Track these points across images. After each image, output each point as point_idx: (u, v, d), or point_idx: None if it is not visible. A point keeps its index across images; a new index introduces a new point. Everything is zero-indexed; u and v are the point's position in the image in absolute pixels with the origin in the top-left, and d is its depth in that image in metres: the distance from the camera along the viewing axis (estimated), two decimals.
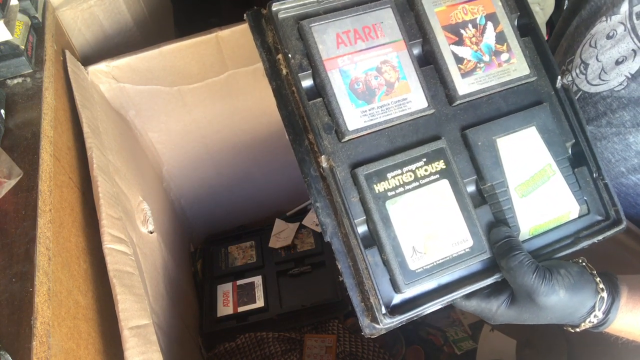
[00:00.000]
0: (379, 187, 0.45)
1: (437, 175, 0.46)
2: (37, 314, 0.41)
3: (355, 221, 0.44)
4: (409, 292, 0.44)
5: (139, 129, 0.86)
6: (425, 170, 0.46)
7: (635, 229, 0.58)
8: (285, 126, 0.46)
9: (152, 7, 0.93)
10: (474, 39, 0.50)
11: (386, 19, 0.49)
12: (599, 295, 0.46)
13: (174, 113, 0.86)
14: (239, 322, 0.95)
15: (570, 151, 0.51)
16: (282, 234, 1.07)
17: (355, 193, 0.45)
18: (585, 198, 0.50)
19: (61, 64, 0.67)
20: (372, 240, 0.45)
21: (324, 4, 0.48)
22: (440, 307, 0.45)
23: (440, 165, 0.46)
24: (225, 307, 0.97)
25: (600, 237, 0.48)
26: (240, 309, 0.96)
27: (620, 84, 0.56)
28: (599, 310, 0.46)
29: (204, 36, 0.75)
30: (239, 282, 1.00)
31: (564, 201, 0.49)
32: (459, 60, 0.49)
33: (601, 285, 0.46)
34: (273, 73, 0.47)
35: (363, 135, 0.46)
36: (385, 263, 0.44)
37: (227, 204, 1.10)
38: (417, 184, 0.46)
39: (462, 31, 0.50)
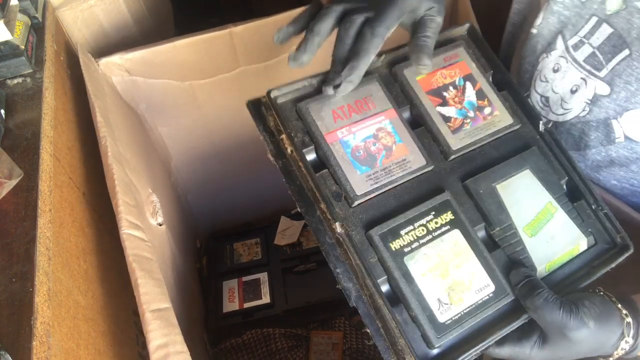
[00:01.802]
0: (395, 245, 0.46)
1: (448, 226, 0.48)
2: (37, 314, 0.41)
3: (377, 281, 0.45)
4: (442, 346, 0.45)
5: (149, 122, 0.86)
6: (436, 222, 0.48)
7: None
8: (296, 200, 0.49)
9: (152, 7, 0.93)
10: (456, 99, 0.54)
11: (374, 92, 0.53)
12: (625, 321, 0.46)
13: (184, 108, 0.86)
14: (245, 318, 0.96)
15: (565, 187, 0.53)
16: (287, 232, 1.07)
17: (372, 254, 0.46)
18: (590, 230, 0.52)
19: (61, 64, 0.67)
20: (396, 298, 0.46)
21: (316, 85, 0.51)
22: (475, 356, 0.46)
23: (449, 216, 0.48)
24: (231, 303, 0.97)
25: (613, 264, 0.50)
26: (246, 305, 0.96)
27: (584, 110, 0.58)
28: (629, 335, 0.46)
29: (218, 32, 0.75)
30: (245, 278, 1.00)
31: (571, 235, 0.51)
32: (446, 119, 0.53)
33: (624, 311, 0.46)
34: (278, 153, 0.50)
35: (371, 198, 0.48)
36: (414, 319, 0.45)
37: (233, 201, 1.10)
38: (430, 237, 0.47)
39: (444, 93, 0.54)
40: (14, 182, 0.49)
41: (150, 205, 0.69)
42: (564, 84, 0.59)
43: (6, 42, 0.59)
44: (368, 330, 0.45)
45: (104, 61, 0.72)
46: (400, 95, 0.54)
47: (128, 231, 0.51)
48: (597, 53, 0.56)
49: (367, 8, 0.50)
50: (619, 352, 0.47)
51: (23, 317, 0.41)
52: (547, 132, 0.55)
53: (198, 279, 1.03)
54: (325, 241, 0.47)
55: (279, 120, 0.50)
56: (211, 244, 1.09)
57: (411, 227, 0.47)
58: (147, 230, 0.61)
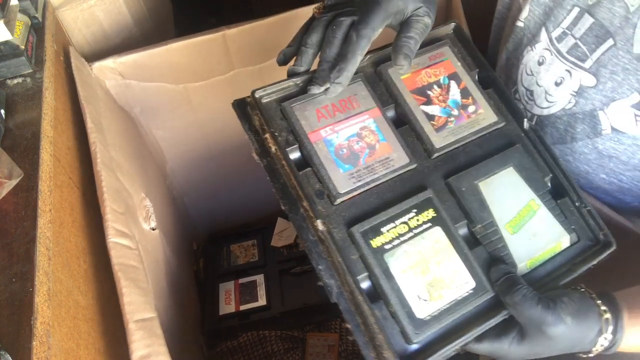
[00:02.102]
0: (376, 242, 0.47)
1: (430, 224, 0.49)
2: (37, 314, 0.41)
3: (357, 277, 0.46)
4: (421, 341, 0.46)
5: (143, 126, 0.87)
6: (417, 220, 0.49)
7: (629, 223, 0.60)
8: (280, 198, 0.50)
9: (152, 7, 0.94)
10: (440, 97, 0.55)
11: (359, 91, 0.54)
12: (603, 317, 0.47)
13: (179, 111, 0.87)
14: (241, 320, 0.97)
15: (549, 184, 0.54)
16: (284, 233, 1.07)
17: (354, 251, 0.47)
18: (573, 227, 0.53)
19: (61, 64, 0.67)
20: (377, 294, 0.47)
21: (301, 85, 0.53)
22: (454, 351, 0.47)
23: (430, 213, 0.49)
24: (228, 305, 0.98)
25: (595, 261, 0.51)
26: (243, 307, 0.98)
27: (569, 102, 0.59)
28: (607, 332, 0.47)
29: (212, 34, 0.77)
30: (241, 280, 1.01)
31: (554, 232, 0.52)
32: (430, 117, 0.54)
33: (603, 307, 0.47)
34: (262, 152, 0.51)
35: (354, 196, 0.49)
36: (393, 315, 0.46)
37: (230, 203, 1.11)
38: (411, 234, 0.48)
39: (428, 92, 0.55)
40: (14, 182, 0.49)
41: (143, 209, 0.70)
42: (549, 76, 0.60)
43: (6, 42, 0.60)
44: (349, 326, 0.46)
45: (97, 65, 0.74)
46: (385, 94, 0.55)
47: (114, 239, 0.52)
48: (580, 44, 0.57)
49: (353, 11, 0.51)
50: (598, 349, 0.48)
51: (23, 317, 0.41)
52: (531, 130, 0.56)
53: (194, 282, 1.04)
54: (307, 238, 0.48)
55: (264, 120, 0.51)
56: (208, 246, 1.10)
57: (392, 225, 0.48)
58: (137, 236, 0.62)
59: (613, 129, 0.56)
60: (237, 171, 1.04)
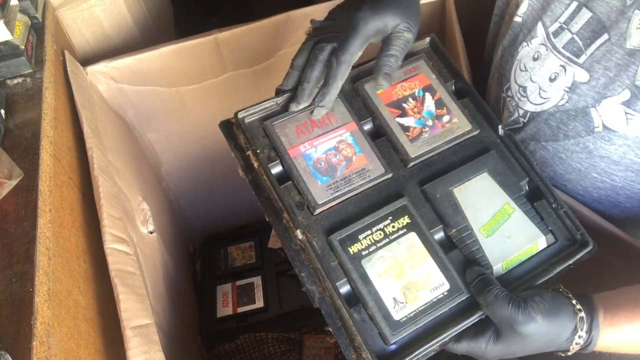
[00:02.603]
0: (354, 249, 0.51)
1: (405, 230, 0.52)
2: (37, 314, 0.42)
3: (337, 283, 0.50)
4: (398, 342, 0.49)
5: (137, 129, 0.89)
6: (393, 227, 0.52)
7: (619, 231, 0.61)
8: (264, 210, 0.54)
9: (152, 7, 0.95)
10: (415, 109, 0.59)
11: (336, 107, 0.58)
12: (578, 316, 0.49)
13: (172, 114, 0.89)
14: (239, 322, 0.99)
15: (527, 187, 0.57)
16: None
17: (333, 258, 0.51)
18: (550, 228, 0.55)
19: (61, 64, 0.68)
20: (355, 298, 0.50)
21: (282, 104, 0.58)
22: (432, 352, 0.49)
23: (405, 220, 0.53)
24: (225, 307, 0.99)
25: (571, 261, 0.53)
26: (240, 310, 1.00)
27: (562, 98, 0.60)
28: (582, 330, 0.49)
29: (203, 38, 0.79)
30: (239, 282, 1.03)
31: (529, 234, 0.54)
32: (405, 129, 0.58)
33: (578, 306, 0.49)
34: (247, 167, 0.56)
35: (332, 206, 0.53)
36: (371, 318, 0.49)
37: (226, 205, 1.12)
38: (387, 240, 0.52)
39: (404, 104, 0.59)
40: (14, 182, 0.50)
41: (141, 213, 0.71)
42: (543, 72, 0.61)
43: (6, 42, 0.61)
44: (330, 329, 0.49)
45: (90, 69, 0.76)
46: (362, 108, 0.59)
47: (112, 245, 0.54)
48: (577, 39, 0.58)
49: (333, 37, 0.56)
50: (575, 347, 0.50)
51: (23, 317, 0.42)
52: (506, 136, 0.59)
53: (192, 284, 1.04)
54: (290, 247, 0.52)
55: (246, 138, 0.55)
56: (205, 248, 1.11)
57: (369, 232, 0.52)
58: (135, 240, 0.62)
59: (605, 127, 0.57)
60: (233, 173, 1.04)
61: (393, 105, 0.59)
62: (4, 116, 0.57)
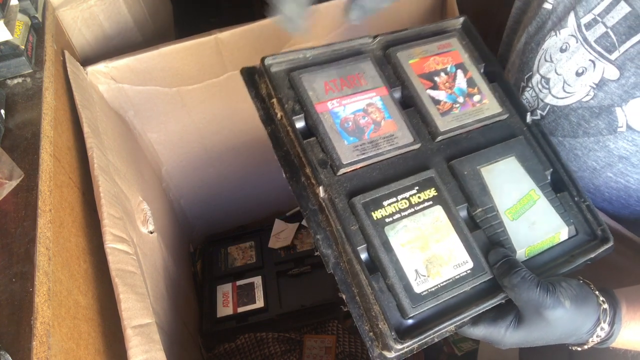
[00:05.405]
0: (377, 215, 0.47)
1: (431, 202, 0.49)
2: (37, 314, 0.41)
3: (357, 248, 0.46)
4: (416, 317, 0.45)
5: (138, 129, 0.87)
6: (419, 197, 0.49)
7: (627, 232, 0.59)
8: (282, 165, 0.50)
9: (152, 7, 0.94)
10: (447, 84, 0.56)
11: (367, 70, 0.55)
12: (602, 307, 0.46)
13: (173, 114, 0.87)
14: (239, 322, 0.97)
15: (549, 178, 0.55)
16: (281, 234, 1.08)
17: (354, 222, 0.47)
18: (572, 220, 0.53)
19: (61, 64, 0.67)
20: (374, 267, 0.46)
21: (310, 59, 0.54)
22: (449, 331, 0.46)
23: (432, 192, 0.50)
24: (225, 307, 0.98)
25: (592, 255, 0.51)
26: (240, 310, 0.98)
27: (587, 94, 0.57)
28: (604, 322, 0.46)
29: (203, 38, 0.77)
30: (239, 282, 1.01)
31: (553, 223, 0.52)
32: (436, 102, 0.55)
33: (602, 298, 0.47)
34: (267, 119, 0.52)
35: (356, 168, 0.50)
36: (390, 288, 0.45)
37: (227, 205, 1.11)
38: (412, 210, 0.48)
39: (435, 78, 0.57)
40: (14, 182, 0.49)
41: (141, 213, 0.70)
42: (570, 65, 0.57)
43: (6, 42, 0.59)
44: (343, 297, 0.46)
45: (90, 69, 0.73)
46: (392, 76, 0.56)
47: (112, 245, 0.52)
48: (611, 33, 0.53)
49: None
50: (594, 339, 0.47)
51: (23, 317, 0.41)
52: (534, 125, 0.57)
53: (192, 284, 1.03)
54: (307, 207, 0.48)
55: (271, 86, 0.51)
56: (206, 248, 1.10)
57: (394, 199, 0.48)
58: (136, 240, 0.62)
59: (629, 127, 0.54)
60: (234, 173, 1.04)
61: (425, 76, 0.56)
62: (4, 116, 0.55)
